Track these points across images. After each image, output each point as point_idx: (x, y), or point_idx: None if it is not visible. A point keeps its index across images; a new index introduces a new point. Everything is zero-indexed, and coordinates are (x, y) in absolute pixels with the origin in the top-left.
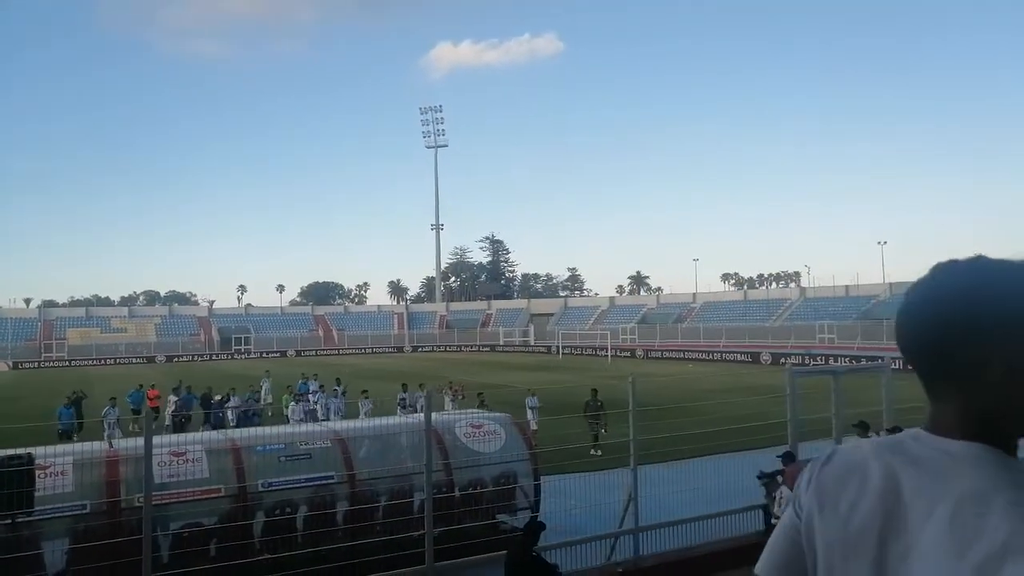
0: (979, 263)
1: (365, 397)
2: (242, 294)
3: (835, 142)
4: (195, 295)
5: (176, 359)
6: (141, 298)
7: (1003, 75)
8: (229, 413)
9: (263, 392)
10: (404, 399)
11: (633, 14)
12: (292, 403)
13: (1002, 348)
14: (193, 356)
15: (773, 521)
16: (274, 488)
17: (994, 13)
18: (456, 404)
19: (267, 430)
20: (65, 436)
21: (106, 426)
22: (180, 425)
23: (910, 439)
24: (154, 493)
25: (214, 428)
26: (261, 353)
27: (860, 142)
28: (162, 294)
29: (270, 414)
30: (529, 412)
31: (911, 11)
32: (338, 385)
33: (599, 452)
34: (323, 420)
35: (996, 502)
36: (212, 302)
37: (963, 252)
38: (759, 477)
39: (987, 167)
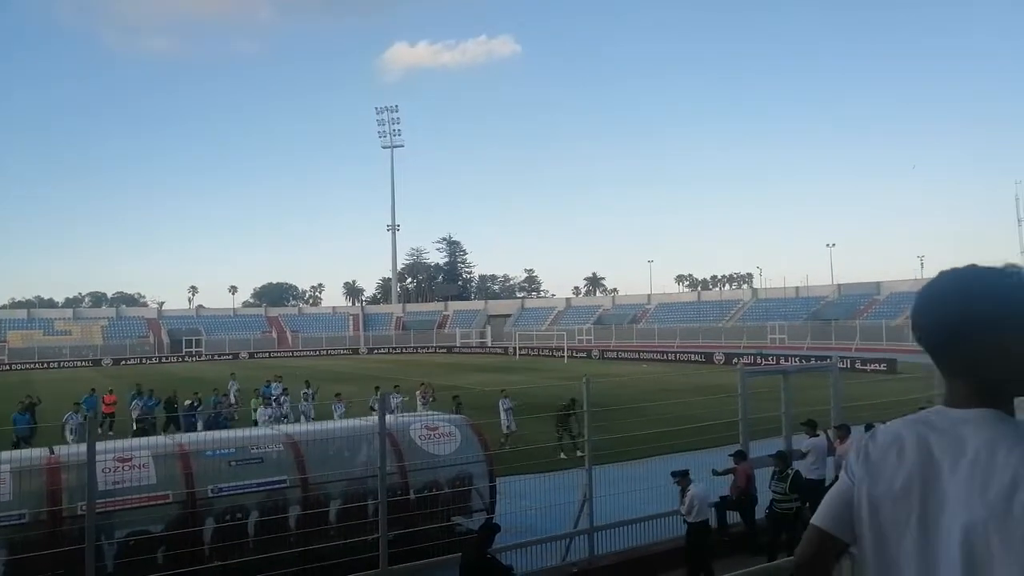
0: (971, 270)
1: (339, 400)
2: (193, 295)
3: (786, 146)
4: (144, 296)
5: (124, 362)
6: (87, 299)
7: (948, 83)
8: (196, 416)
9: (231, 394)
10: (377, 402)
11: (588, 17)
12: (261, 407)
13: (990, 333)
14: (142, 359)
15: (684, 520)
16: (224, 493)
17: (943, 19)
18: (428, 406)
19: (217, 434)
20: (23, 443)
21: (68, 432)
22: (145, 431)
23: (933, 414)
24: (98, 501)
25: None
26: (212, 355)
27: (810, 146)
28: (109, 295)
29: (235, 417)
30: (503, 414)
31: (860, 16)
32: (308, 388)
33: (563, 455)
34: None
35: (1002, 447)
36: (162, 303)
37: (906, 255)
38: (672, 475)
39: (930, 171)
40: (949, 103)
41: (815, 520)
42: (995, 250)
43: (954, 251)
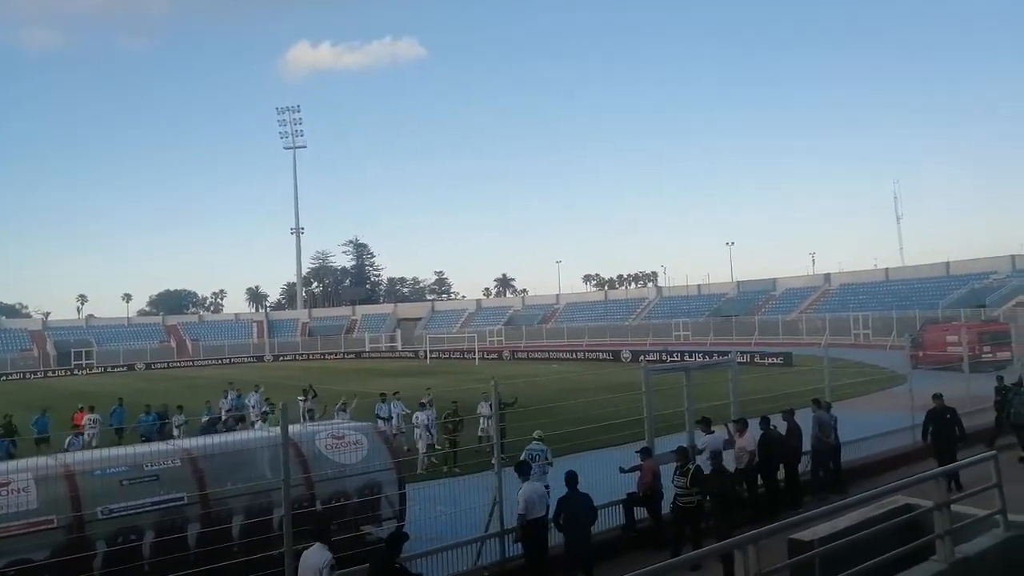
0: None
1: (343, 409)
2: (82, 305)
3: (688, 146)
4: (26, 307)
5: (5, 377)
6: None
7: (835, 89)
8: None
9: (252, 406)
10: (382, 408)
11: (492, 19)
12: (259, 421)
13: None
14: (25, 374)
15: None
16: (116, 514)
17: (829, 28)
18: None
19: (107, 451)
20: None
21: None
22: None
23: None
24: None
25: None
26: (105, 368)
27: (709, 147)
28: None
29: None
30: (483, 420)
31: (753, 18)
32: (305, 396)
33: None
34: None
35: None
36: (47, 314)
37: (799, 252)
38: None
39: (818, 172)
40: (835, 107)
41: None
42: (877, 246)
43: (841, 248)
